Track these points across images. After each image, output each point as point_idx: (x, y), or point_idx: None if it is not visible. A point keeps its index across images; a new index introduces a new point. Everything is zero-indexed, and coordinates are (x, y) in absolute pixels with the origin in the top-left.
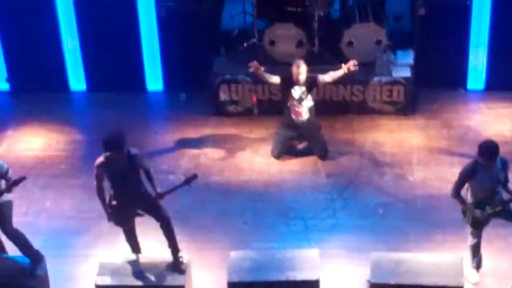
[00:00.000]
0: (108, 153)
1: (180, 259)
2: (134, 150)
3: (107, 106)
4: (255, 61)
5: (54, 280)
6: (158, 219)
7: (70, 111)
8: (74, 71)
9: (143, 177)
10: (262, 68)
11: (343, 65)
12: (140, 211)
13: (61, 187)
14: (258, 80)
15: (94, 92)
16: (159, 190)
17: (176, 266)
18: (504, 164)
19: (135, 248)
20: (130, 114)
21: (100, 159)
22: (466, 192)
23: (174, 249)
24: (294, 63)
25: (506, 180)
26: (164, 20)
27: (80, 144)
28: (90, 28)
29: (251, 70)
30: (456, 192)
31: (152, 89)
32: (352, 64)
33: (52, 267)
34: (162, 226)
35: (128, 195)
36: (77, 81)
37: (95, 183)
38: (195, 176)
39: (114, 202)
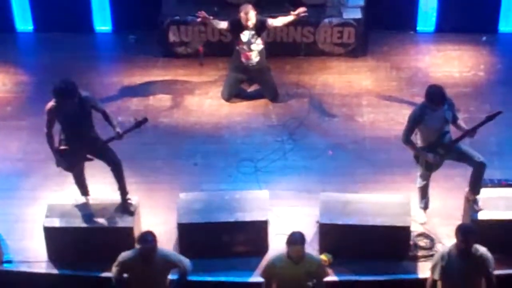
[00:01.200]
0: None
1: (129, 201)
2: (84, 93)
3: (55, 47)
4: (202, 11)
5: (2, 222)
6: (108, 163)
7: (16, 52)
8: (20, 11)
9: (95, 121)
10: (211, 18)
11: (291, 12)
12: (89, 156)
13: (7, 129)
14: None
15: (41, 33)
16: (118, 129)
17: (125, 208)
18: (450, 104)
19: (84, 191)
20: (78, 56)
21: (51, 103)
22: (417, 136)
23: (123, 191)
24: (242, 8)
25: (455, 118)
26: None
27: (27, 85)
28: None
29: (199, 20)
30: (407, 138)
31: (100, 30)
32: (301, 11)
33: (0, 209)
34: (112, 170)
35: (79, 139)
36: (23, 21)
37: (45, 128)
38: (145, 120)
39: (63, 146)
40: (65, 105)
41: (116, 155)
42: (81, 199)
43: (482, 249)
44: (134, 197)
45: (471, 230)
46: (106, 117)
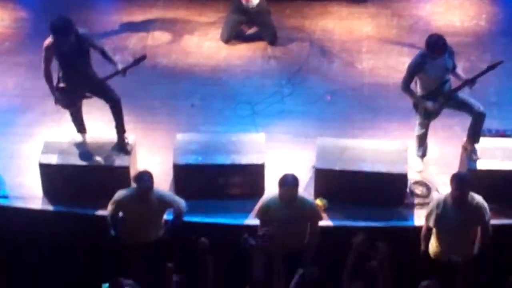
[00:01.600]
0: (54, 37)
1: (126, 140)
2: (82, 30)
3: None
4: None
5: None
6: (107, 100)
7: None
8: None
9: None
10: None
11: None
12: (88, 94)
13: (5, 64)
14: None
15: None
16: (119, 66)
17: (122, 147)
18: (451, 52)
19: (81, 129)
20: None
21: (49, 39)
22: (416, 84)
23: (121, 130)
24: None
25: (454, 66)
26: None
27: (25, 21)
28: None
29: None
30: (406, 85)
31: None
32: None
33: None
34: (111, 107)
35: (77, 76)
36: None
37: (42, 65)
38: (144, 57)
39: (62, 84)
40: (62, 42)
41: (116, 93)
42: (78, 137)
43: (477, 198)
44: (131, 136)
45: (466, 179)
46: (104, 55)
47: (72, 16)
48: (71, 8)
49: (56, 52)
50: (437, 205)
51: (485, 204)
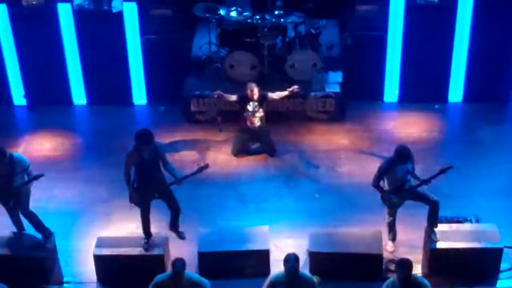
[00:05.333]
0: (138, 146)
1: (182, 233)
2: (158, 143)
3: (102, 116)
4: (218, 90)
5: (61, 252)
6: (170, 206)
7: (72, 120)
8: (76, 89)
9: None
10: (224, 95)
11: (287, 88)
12: (156, 195)
13: (65, 179)
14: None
15: (91, 106)
16: (178, 175)
17: (179, 236)
18: (411, 157)
19: (146, 226)
20: (120, 123)
21: (132, 150)
22: (384, 182)
23: (176, 226)
24: (248, 86)
25: (413, 169)
26: (147, 48)
27: (81, 146)
28: (89, 56)
29: (215, 96)
30: (376, 183)
31: (138, 103)
32: (295, 88)
33: (59, 242)
34: (172, 213)
35: (149, 179)
36: (78, 96)
37: (124, 168)
38: (206, 166)
39: (137, 185)
40: (144, 150)
41: (177, 201)
42: (123, 233)
43: (419, 278)
44: (163, 232)
45: (408, 263)
46: (167, 164)
47: (116, 141)
48: (115, 135)
49: (137, 159)
50: (387, 286)
51: (426, 281)
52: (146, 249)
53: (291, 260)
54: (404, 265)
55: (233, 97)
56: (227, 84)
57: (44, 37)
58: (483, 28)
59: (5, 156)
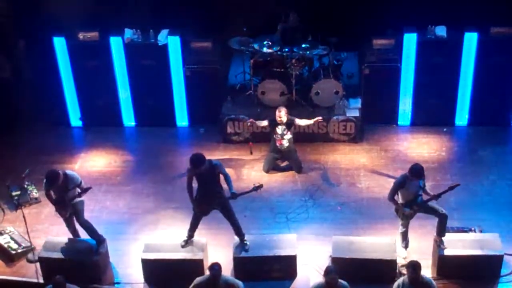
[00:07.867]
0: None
1: (245, 241)
2: (214, 161)
3: (149, 136)
4: (251, 118)
5: (113, 256)
6: (227, 218)
7: (123, 140)
8: (126, 113)
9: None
10: (256, 122)
11: (312, 119)
12: (216, 206)
13: (117, 192)
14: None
15: (140, 127)
16: (233, 190)
17: (242, 245)
18: (423, 174)
19: (192, 228)
20: (165, 142)
21: (189, 168)
22: (398, 196)
23: (241, 235)
24: (278, 110)
25: (424, 185)
26: (189, 77)
27: (130, 162)
28: (138, 83)
29: (249, 124)
30: (391, 197)
31: (180, 124)
32: (319, 119)
33: (111, 247)
34: (232, 224)
35: (208, 193)
36: (128, 119)
37: (186, 181)
38: (261, 186)
39: (198, 197)
40: (199, 169)
41: (234, 214)
42: (167, 240)
43: (426, 277)
44: (203, 238)
45: (417, 265)
46: (226, 179)
47: (159, 158)
48: (160, 154)
49: (195, 174)
50: (398, 285)
51: (433, 282)
52: (183, 246)
53: (331, 272)
54: (415, 266)
55: (264, 123)
56: (259, 109)
57: (98, 66)
58: (486, 59)
59: (59, 177)
